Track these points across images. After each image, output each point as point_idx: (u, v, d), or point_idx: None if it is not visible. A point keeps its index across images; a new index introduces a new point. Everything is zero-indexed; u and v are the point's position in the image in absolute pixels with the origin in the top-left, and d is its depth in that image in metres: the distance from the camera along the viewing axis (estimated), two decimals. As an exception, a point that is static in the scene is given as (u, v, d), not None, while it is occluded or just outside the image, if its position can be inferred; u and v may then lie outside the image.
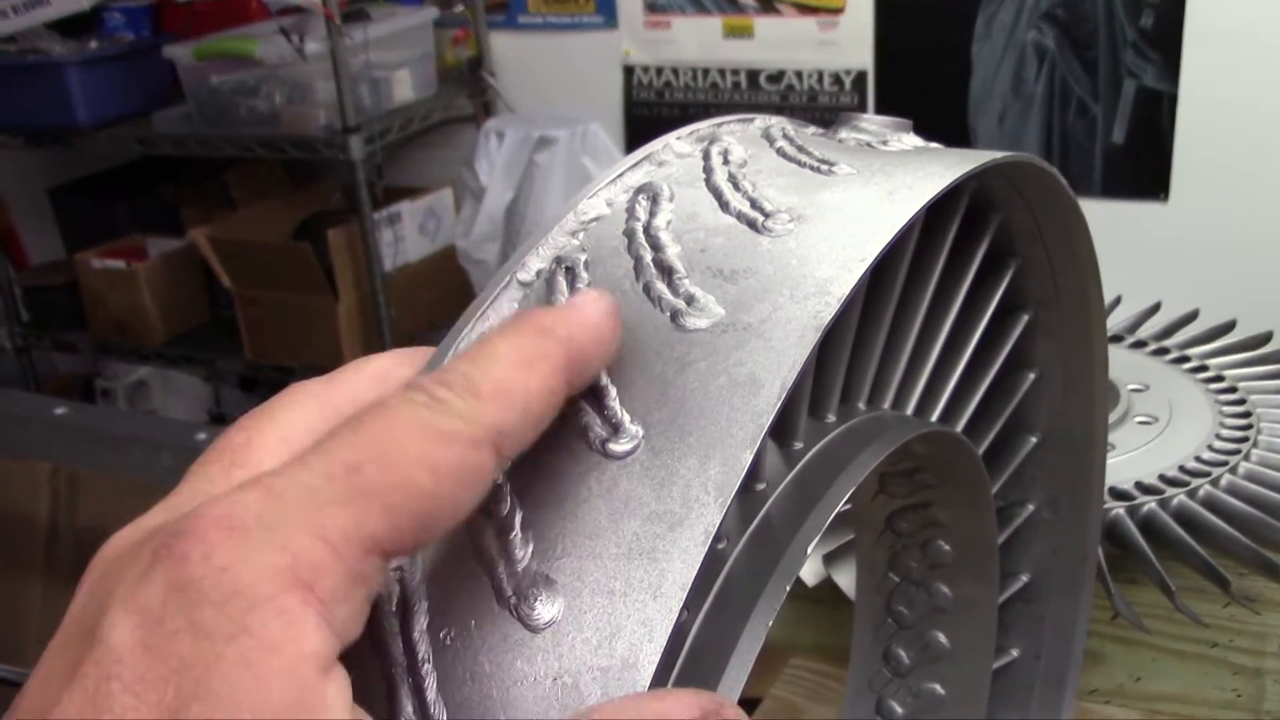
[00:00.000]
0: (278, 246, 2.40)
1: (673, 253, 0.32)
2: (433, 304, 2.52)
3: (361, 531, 0.23)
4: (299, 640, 0.21)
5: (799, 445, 0.40)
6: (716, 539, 0.36)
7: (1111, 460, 0.82)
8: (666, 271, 0.31)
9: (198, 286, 2.70)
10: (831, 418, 0.42)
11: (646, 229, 0.33)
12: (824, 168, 0.36)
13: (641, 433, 0.28)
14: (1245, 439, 0.81)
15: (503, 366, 0.26)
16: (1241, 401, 0.86)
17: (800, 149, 0.37)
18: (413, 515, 0.23)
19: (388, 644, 0.26)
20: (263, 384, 2.74)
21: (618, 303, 0.29)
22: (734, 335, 0.29)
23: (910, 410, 0.48)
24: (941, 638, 0.57)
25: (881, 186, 0.34)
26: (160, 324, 2.64)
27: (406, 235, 2.47)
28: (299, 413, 0.28)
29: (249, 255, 2.43)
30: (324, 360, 2.34)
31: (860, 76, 2.34)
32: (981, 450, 0.58)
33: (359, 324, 2.39)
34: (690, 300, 0.31)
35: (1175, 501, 0.76)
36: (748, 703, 0.89)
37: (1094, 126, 2.16)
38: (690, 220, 0.34)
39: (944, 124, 2.28)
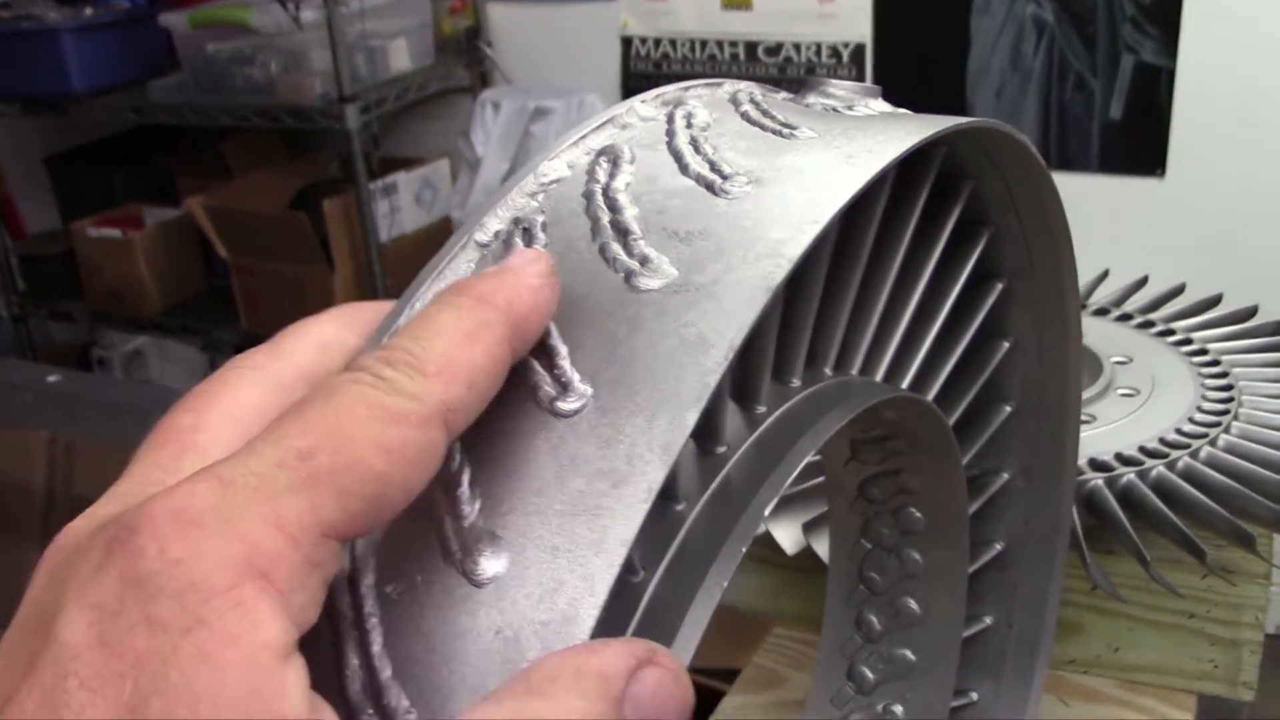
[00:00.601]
0: (273, 217, 2.40)
1: (630, 214, 0.32)
2: (429, 275, 2.51)
3: (317, 517, 0.23)
4: (256, 630, 0.21)
5: (761, 409, 0.40)
6: (675, 499, 0.37)
7: (1092, 432, 0.82)
8: (622, 233, 0.31)
9: (194, 256, 2.70)
10: (796, 381, 0.42)
11: (605, 191, 0.33)
12: (786, 131, 0.36)
13: (590, 392, 0.28)
14: (1226, 412, 0.81)
15: (446, 340, 0.26)
16: (1224, 375, 0.86)
17: (765, 113, 0.37)
18: (366, 498, 0.24)
19: (334, 599, 0.26)
20: (259, 354, 2.73)
21: (553, 261, 0.29)
22: (685, 296, 0.30)
23: (880, 376, 0.49)
24: (912, 604, 0.57)
25: (842, 150, 0.34)
26: (156, 293, 2.64)
27: (403, 206, 2.46)
28: (246, 391, 0.28)
29: (245, 225, 2.42)
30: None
31: (859, 49, 2.33)
32: (955, 418, 0.59)
33: (355, 294, 2.39)
34: (644, 261, 0.31)
35: (1154, 473, 0.76)
36: (729, 673, 0.90)
37: (1092, 102, 2.15)
38: (650, 182, 0.34)
39: (942, 98, 2.28)
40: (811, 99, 0.40)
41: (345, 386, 0.24)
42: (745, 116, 0.37)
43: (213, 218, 2.43)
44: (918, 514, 0.55)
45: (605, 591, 0.25)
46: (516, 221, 0.33)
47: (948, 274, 0.52)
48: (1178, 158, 2.12)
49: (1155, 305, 0.98)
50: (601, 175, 0.34)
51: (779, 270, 0.30)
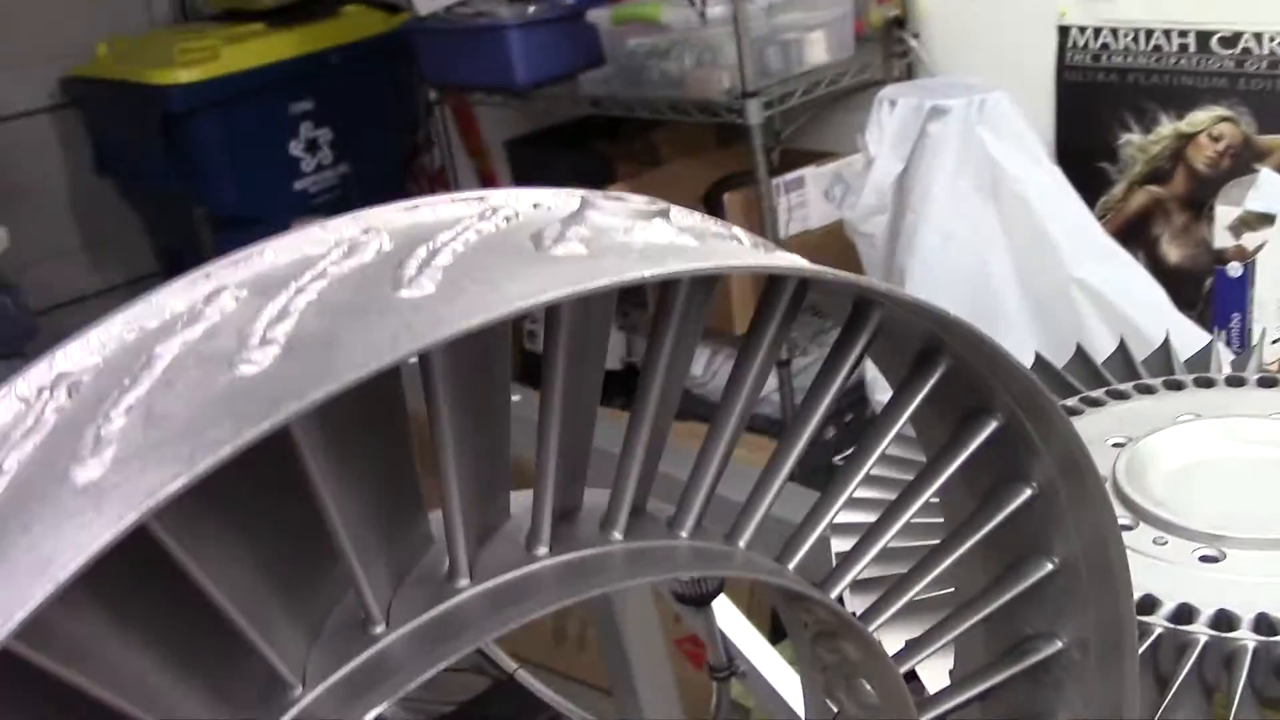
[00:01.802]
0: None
1: (142, 387, 0.28)
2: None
3: None
4: None
5: (463, 583, 0.35)
6: (288, 687, 0.33)
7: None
8: (107, 414, 0.28)
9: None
10: (542, 550, 0.36)
11: (154, 351, 0.29)
12: (413, 289, 0.30)
13: None
14: None
15: None
16: None
17: (431, 255, 0.31)
18: None
19: None
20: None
21: None
22: (83, 499, 0.26)
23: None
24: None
25: (421, 317, 0.28)
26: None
27: (809, 201, 2.43)
28: None
29: (655, 214, 2.48)
30: (717, 321, 2.35)
31: (1333, 38, 1.99)
32: (983, 566, 0.49)
33: (750, 285, 2.39)
34: (95, 447, 0.27)
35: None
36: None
37: None
38: (206, 340, 0.30)
39: None
40: (555, 230, 0.34)
41: None
42: (422, 260, 0.32)
43: (627, 206, 2.51)
44: (869, 688, 0.46)
45: None
46: (61, 377, 0.30)
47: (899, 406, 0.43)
48: None
49: None
50: (179, 327, 0.30)
51: (175, 482, 0.25)
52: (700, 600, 1.00)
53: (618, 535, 0.37)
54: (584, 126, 2.98)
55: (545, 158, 2.99)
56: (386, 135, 3.46)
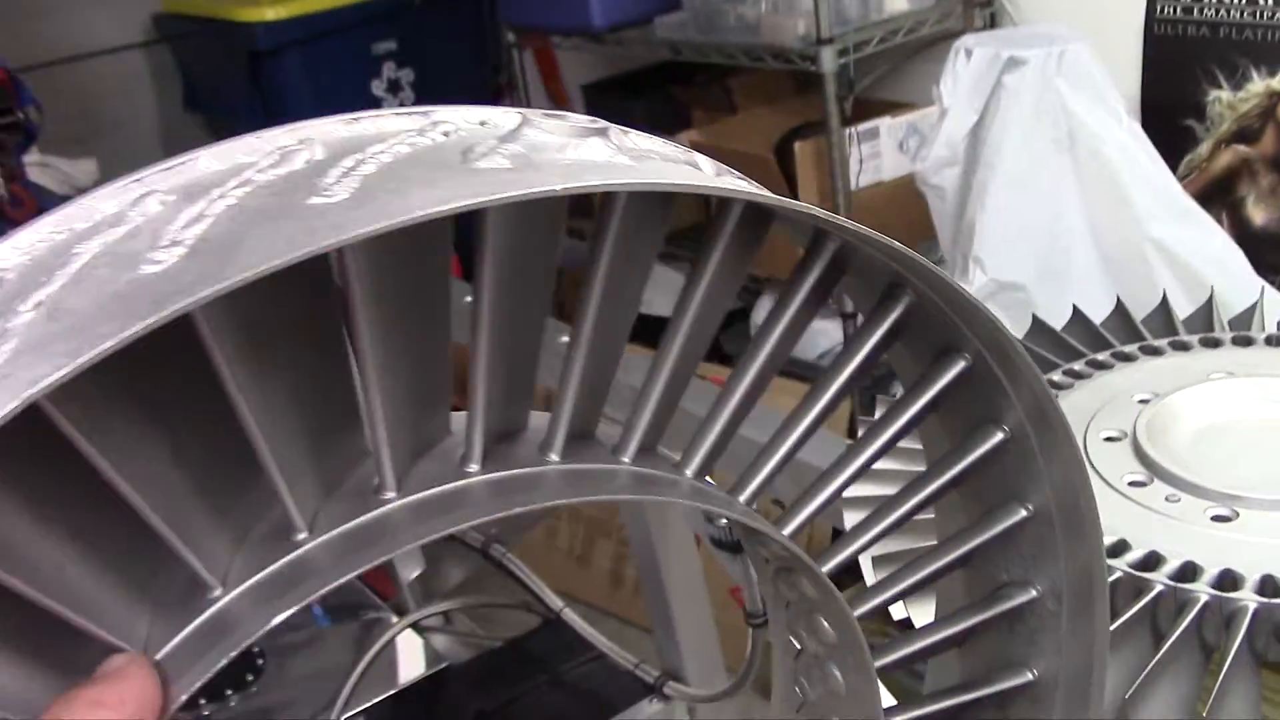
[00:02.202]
0: (746, 156, 2.42)
1: (55, 284, 0.29)
2: (908, 223, 2.42)
3: None
4: None
5: (389, 495, 0.35)
6: (207, 588, 0.34)
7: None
8: (13, 310, 0.28)
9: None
10: (473, 467, 0.36)
11: (74, 250, 0.30)
12: (325, 196, 0.30)
13: None
14: None
15: None
16: None
17: (355, 163, 0.32)
18: None
19: None
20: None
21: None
22: None
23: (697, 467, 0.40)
24: (835, 726, 0.47)
25: (318, 223, 0.28)
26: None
27: (883, 152, 2.39)
28: None
29: (721, 161, 2.47)
30: (777, 270, 2.33)
31: None
32: (957, 508, 0.48)
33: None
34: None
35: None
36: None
37: None
38: (125, 241, 0.30)
39: None
40: (487, 145, 0.34)
41: None
42: (346, 169, 0.32)
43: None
44: (826, 625, 0.45)
45: None
46: (-18, 272, 0.31)
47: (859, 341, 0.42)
48: None
49: None
50: (100, 230, 0.31)
51: (53, 375, 0.25)
52: (736, 546, 1.00)
53: (554, 457, 0.37)
54: (661, 72, 2.96)
55: (622, 103, 2.97)
56: (468, 77, 3.46)
